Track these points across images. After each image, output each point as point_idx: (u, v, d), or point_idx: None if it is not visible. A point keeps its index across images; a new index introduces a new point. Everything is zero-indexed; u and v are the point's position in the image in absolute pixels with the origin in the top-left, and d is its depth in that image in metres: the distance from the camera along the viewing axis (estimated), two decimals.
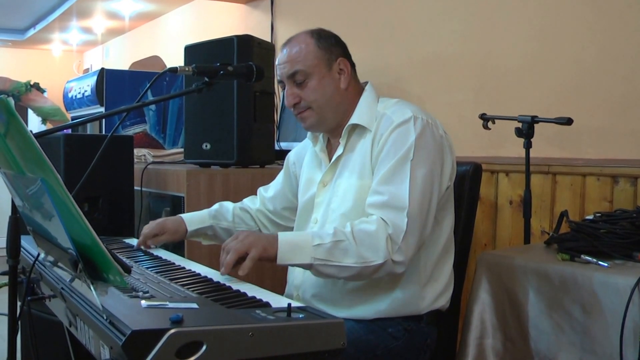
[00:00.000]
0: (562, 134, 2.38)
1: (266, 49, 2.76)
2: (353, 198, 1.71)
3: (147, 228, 1.95)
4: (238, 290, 1.37)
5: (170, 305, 1.15)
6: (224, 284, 1.44)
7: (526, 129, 2.23)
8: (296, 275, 1.80)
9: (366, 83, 1.84)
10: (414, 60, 3.09)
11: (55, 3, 6.30)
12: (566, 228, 1.79)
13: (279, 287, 1.78)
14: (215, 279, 1.49)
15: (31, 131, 1.14)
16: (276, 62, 1.80)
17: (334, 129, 1.81)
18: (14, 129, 1.16)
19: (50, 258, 1.45)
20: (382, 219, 1.57)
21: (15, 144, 1.21)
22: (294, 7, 4.08)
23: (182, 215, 2.02)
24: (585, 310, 1.51)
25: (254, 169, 2.73)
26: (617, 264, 1.56)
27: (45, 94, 8.31)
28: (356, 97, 1.79)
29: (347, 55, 1.80)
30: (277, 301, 1.27)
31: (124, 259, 1.60)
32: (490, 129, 2.44)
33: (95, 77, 4.09)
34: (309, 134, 1.91)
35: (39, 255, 1.51)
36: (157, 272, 1.56)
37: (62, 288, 1.34)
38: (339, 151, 1.78)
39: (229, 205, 2.06)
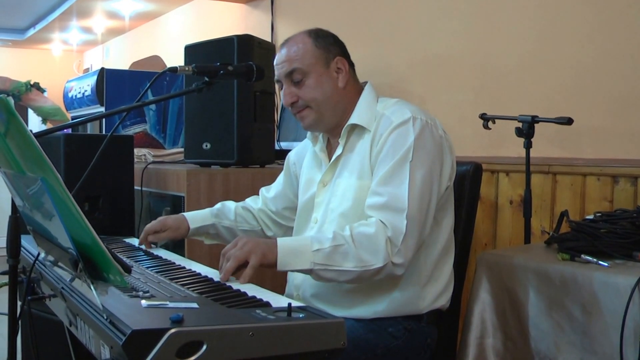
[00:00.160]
0: (563, 134, 2.38)
1: (266, 49, 2.76)
2: (352, 198, 1.70)
3: (149, 225, 1.96)
4: (238, 290, 1.37)
5: (171, 305, 1.15)
6: (224, 284, 1.44)
7: (526, 129, 2.23)
8: (296, 275, 1.80)
9: (365, 83, 1.84)
10: (414, 60, 3.09)
11: (55, 3, 6.31)
12: (566, 228, 1.79)
13: (279, 287, 1.78)
14: (215, 279, 1.49)
15: (31, 131, 1.14)
16: (274, 62, 1.80)
17: (333, 128, 1.81)
18: (14, 129, 1.16)
19: (51, 258, 1.45)
20: (381, 222, 1.57)
21: (15, 144, 1.21)
22: (294, 7, 4.08)
23: (184, 213, 2.03)
24: (585, 310, 1.51)
25: (254, 169, 2.73)
26: (618, 264, 1.56)
27: (46, 94, 8.32)
28: (355, 96, 1.79)
29: (345, 55, 1.80)
30: (278, 301, 1.27)
31: (124, 259, 1.60)
32: (490, 128, 2.44)
33: (95, 77, 4.09)
34: (308, 134, 1.91)
35: (39, 254, 1.51)
36: (157, 272, 1.56)
37: (63, 287, 1.34)
38: (338, 151, 1.78)
39: (231, 204, 2.07)
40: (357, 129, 1.76)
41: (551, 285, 1.58)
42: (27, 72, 8.33)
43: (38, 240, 1.45)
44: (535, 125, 2.23)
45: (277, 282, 1.88)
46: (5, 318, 1.45)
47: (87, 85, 4.27)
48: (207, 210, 2.04)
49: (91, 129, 4.26)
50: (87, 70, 8.46)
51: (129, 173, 2.58)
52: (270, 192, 2.07)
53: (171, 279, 1.46)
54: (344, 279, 1.58)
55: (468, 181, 1.91)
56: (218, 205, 2.06)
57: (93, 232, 1.07)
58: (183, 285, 1.40)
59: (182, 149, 3.03)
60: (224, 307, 1.20)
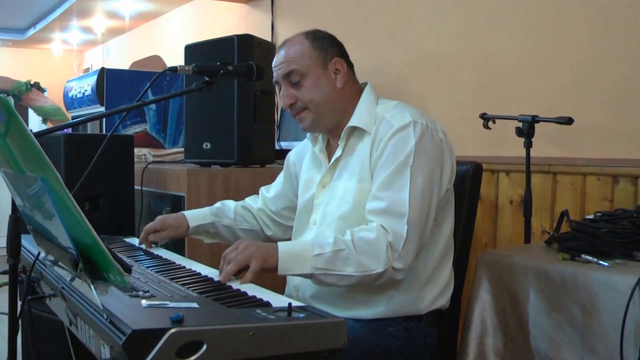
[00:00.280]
0: (563, 134, 2.38)
1: (266, 49, 2.76)
2: (352, 201, 1.70)
3: (149, 224, 1.96)
4: (238, 290, 1.37)
5: (171, 304, 1.15)
6: (225, 284, 1.44)
7: (527, 129, 2.23)
8: (295, 276, 1.80)
9: (365, 84, 1.84)
10: (415, 59, 3.08)
11: (56, 2, 6.30)
12: (566, 227, 1.79)
13: (279, 287, 1.78)
14: (215, 279, 1.49)
15: (31, 130, 1.14)
16: (272, 64, 1.80)
17: (333, 129, 1.80)
18: (14, 128, 1.16)
19: (51, 257, 1.45)
20: (382, 227, 1.57)
21: (15, 143, 1.21)
22: (295, 7, 4.08)
23: (183, 212, 2.03)
24: (585, 309, 1.51)
25: (254, 169, 2.73)
26: (618, 264, 1.56)
27: (46, 94, 8.33)
28: (354, 97, 1.79)
29: (343, 55, 1.79)
30: (278, 301, 1.27)
31: (125, 259, 1.60)
32: (490, 128, 2.44)
33: (95, 77, 4.09)
34: (308, 134, 1.90)
35: (39, 254, 1.51)
36: (157, 272, 1.56)
37: (63, 287, 1.34)
38: (338, 153, 1.78)
39: (230, 203, 2.07)
40: (357, 132, 1.75)
41: (551, 285, 1.58)
42: (28, 72, 8.34)
43: (38, 240, 1.45)
44: (536, 125, 2.23)
45: (278, 282, 1.88)
46: (6, 318, 1.45)
47: (87, 85, 4.27)
48: (206, 209, 2.04)
49: (91, 128, 4.26)
50: (87, 70, 8.46)
51: (129, 173, 2.58)
52: (270, 192, 2.07)
53: (171, 279, 1.46)
54: (344, 284, 1.58)
55: (468, 181, 1.91)
56: (218, 204, 2.06)
57: (93, 231, 1.07)
58: (183, 285, 1.40)
59: (182, 149, 3.03)
60: (224, 307, 1.20)
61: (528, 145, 2.23)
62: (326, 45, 1.77)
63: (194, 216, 2.01)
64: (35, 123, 8.38)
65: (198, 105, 2.75)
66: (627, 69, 2.23)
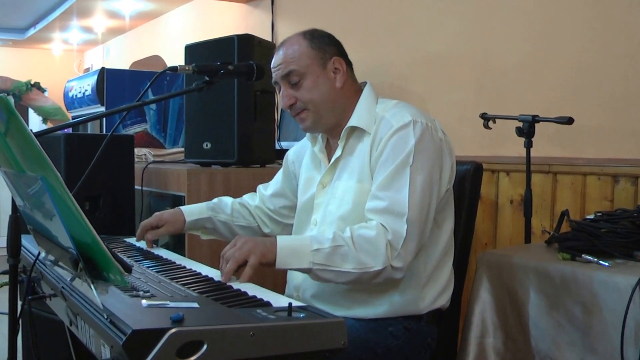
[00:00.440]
0: (563, 134, 2.38)
1: (267, 48, 2.76)
2: (352, 201, 1.70)
3: (145, 220, 1.96)
4: (239, 290, 1.37)
5: (171, 304, 1.15)
6: (225, 283, 1.44)
7: (527, 129, 2.23)
8: (296, 276, 1.80)
9: (365, 83, 1.83)
10: (415, 59, 3.08)
11: (56, 2, 6.31)
12: (567, 227, 1.79)
13: (280, 286, 1.78)
14: (216, 279, 1.49)
15: (31, 130, 1.14)
16: (271, 65, 1.80)
17: (333, 128, 1.80)
18: (14, 128, 1.16)
19: (51, 257, 1.45)
20: (382, 225, 1.57)
21: (15, 143, 1.21)
22: (295, 6, 4.08)
23: (180, 207, 2.03)
24: (586, 309, 1.51)
25: (254, 169, 2.73)
26: (618, 263, 1.56)
27: (46, 94, 8.33)
28: (354, 96, 1.79)
29: (342, 54, 1.79)
30: (278, 300, 1.27)
31: (125, 258, 1.61)
32: (491, 128, 2.44)
33: (95, 77, 4.09)
34: (307, 134, 1.90)
35: (39, 254, 1.51)
36: (157, 272, 1.56)
37: (63, 287, 1.34)
38: (338, 153, 1.77)
39: (227, 199, 2.07)
40: (357, 131, 1.75)
41: (552, 285, 1.58)
42: (28, 71, 8.34)
43: (38, 240, 1.45)
44: (536, 124, 2.23)
45: (278, 282, 1.88)
46: (6, 317, 1.45)
47: (87, 85, 4.28)
48: (203, 204, 2.04)
49: (91, 128, 4.26)
50: (87, 69, 8.46)
51: (129, 173, 2.58)
52: (267, 190, 2.07)
53: (171, 279, 1.46)
54: (342, 280, 1.57)
55: (468, 181, 1.91)
56: (215, 200, 2.06)
57: (93, 231, 1.07)
58: (183, 284, 1.40)
59: (183, 149, 3.03)
60: (225, 307, 1.20)
61: (528, 145, 2.23)
62: (324, 45, 1.76)
63: (191, 211, 2.01)
64: (35, 123, 8.39)
65: (198, 105, 2.75)
66: (627, 69, 2.23)
